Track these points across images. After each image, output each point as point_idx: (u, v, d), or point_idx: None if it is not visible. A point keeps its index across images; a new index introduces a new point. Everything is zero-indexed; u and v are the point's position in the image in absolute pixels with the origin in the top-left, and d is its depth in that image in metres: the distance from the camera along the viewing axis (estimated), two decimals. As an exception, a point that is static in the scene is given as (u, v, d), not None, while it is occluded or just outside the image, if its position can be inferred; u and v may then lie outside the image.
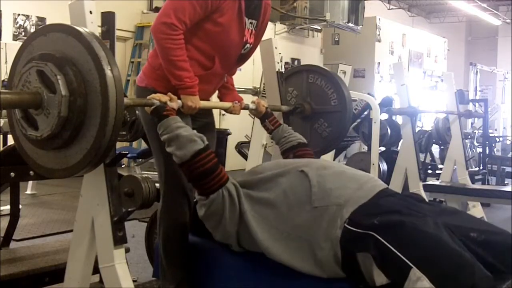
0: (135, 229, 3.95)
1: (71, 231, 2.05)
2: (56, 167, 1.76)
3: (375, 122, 4.79)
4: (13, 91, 1.71)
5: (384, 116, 5.18)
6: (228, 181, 1.92)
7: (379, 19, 11.06)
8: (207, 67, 2.23)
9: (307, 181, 1.88)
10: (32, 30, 7.33)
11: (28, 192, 5.92)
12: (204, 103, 2.24)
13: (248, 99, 2.75)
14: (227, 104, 2.41)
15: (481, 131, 7.84)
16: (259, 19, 2.34)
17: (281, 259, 1.82)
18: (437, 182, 4.94)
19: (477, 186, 5.62)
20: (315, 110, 2.88)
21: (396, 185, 4.08)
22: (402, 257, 1.59)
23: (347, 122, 2.88)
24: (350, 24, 9.63)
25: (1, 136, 5.09)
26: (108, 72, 1.61)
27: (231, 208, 1.90)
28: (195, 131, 1.98)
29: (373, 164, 5.00)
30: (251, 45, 2.36)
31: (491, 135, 8.34)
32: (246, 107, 2.46)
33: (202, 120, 2.35)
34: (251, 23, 2.30)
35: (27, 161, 1.86)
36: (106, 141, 1.64)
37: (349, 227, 1.73)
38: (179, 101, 2.10)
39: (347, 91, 2.89)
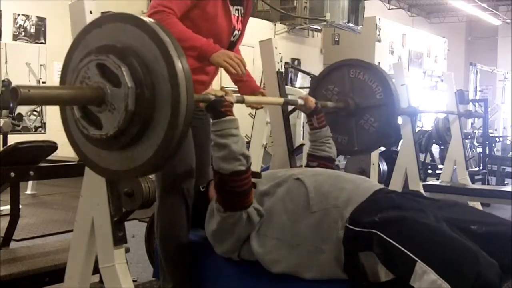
0: (135, 229, 3.95)
1: (71, 231, 2.05)
2: (123, 168, 1.59)
3: (375, 122, 4.78)
4: (74, 87, 1.56)
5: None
6: (250, 206, 1.88)
7: (379, 19, 11.05)
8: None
9: (304, 188, 1.88)
10: (32, 30, 7.34)
11: (28, 192, 5.92)
12: (265, 99, 2.20)
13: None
14: (279, 100, 2.33)
15: (481, 131, 7.84)
16: (243, 5, 2.36)
17: (282, 270, 1.83)
18: (437, 182, 4.95)
19: (477, 186, 5.62)
20: (359, 105, 2.75)
21: (396, 185, 4.07)
22: (406, 251, 1.59)
23: (395, 115, 2.76)
24: (350, 24, 9.63)
25: (1, 136, 5.10)
26: (176, 59, 1.47)
27: (244, 230, 1.89)
28: (244, 146, 1.88)
29: (373, 164, 5.01)
30: (240, 31, 2.38)
31: (491, 135, 8.35)
32: (294, 103, 2.39)
33: (200, 116, 2.35)
34: (236, 9, 2.33)
35: (88, 165, 1.71)
36: (178, 133, 1.48)
37: (350, 226, 1.73)
38: (235, 95, 1.99)
39: (393, 83, 2.77)
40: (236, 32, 2.35)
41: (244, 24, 2.40)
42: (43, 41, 7.47)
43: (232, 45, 2.36)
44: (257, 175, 1.93)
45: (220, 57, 2.09)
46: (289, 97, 2.48)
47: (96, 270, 2.00)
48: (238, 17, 2.35)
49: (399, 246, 1.61)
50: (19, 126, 7.35)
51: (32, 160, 2.59)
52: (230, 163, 1.82)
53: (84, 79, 1.53)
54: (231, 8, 2.27)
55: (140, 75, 1.48)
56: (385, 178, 5.62)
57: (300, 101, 2.41)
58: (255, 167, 3.87)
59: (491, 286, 1.50)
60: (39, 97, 1.41)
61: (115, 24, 1.56)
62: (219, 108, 1.85)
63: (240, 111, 2.44)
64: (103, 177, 1.78)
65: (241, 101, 2.07)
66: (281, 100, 2.31)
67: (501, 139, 9.51)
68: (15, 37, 7.15)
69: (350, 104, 2.74)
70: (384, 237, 1.64)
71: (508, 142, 9.39)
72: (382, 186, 1.97)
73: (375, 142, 2.85)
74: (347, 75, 2.79)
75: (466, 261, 1.53)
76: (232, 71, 2.11)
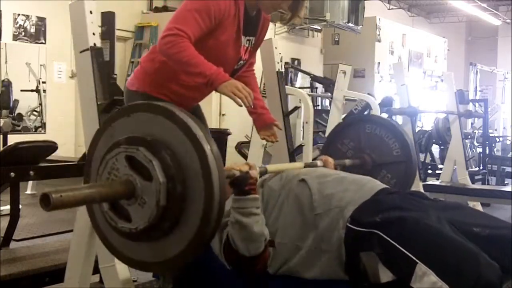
0: (135, 229, 3.94)
1: (71, 231, 2.05)
2: (152, 260, 1.54)
3: (375, 122, 4.78)
4: (102, 183, 1.51)
5: (384, 116, 5.19)
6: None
7: (379, 19, 11.05)
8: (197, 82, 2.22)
9: (308, 189, 1.87)
10: (32, 30, 7.34)
11: (28, 192, 5.92)
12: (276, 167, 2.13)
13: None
14: (299, 164, 2.29)
15: (481, 131, 7.85)
16: (256, 36, 2.35)
17: (283, 271, 1.83)
18: (437, 182, 4.95)
19: (477, 186, 5.62)
20: (376, 161, 2.68)
21: (396, 185, 4.07)
22: (407, 253, 1.59)
23: (413, 172, 2.70)
24: (350, 24, 9.63)
25: (1, 136, 5.10)
26: (209, 153, 1.42)
27: None
28: (264, 225, 1.82)
29: (373, 164, 5.00)
30: (245, 62, 2.37)
31: (491, 135, 8.35)
32: (313, 165, 2.31)
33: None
34: (248, 40, 2.31)
35: (116, 255, 1.66)
36: (210, 229, 1.43)
37: (351, 226, 1.73)
38: (258, 168, 1.90)
39: (410, 139, 2.72)
40: (241, 62, 2.33)
41: (251, 54, 2.38)
42: (43, 41, 7.46)
43: (235, 72, 2.34)
44: (271, 243, 1.87)
45: (227, 87, 2.05)
46: (309, 166, 2.35)
47: (96, 270, 2.00)
48: (247, 47, 2.33)
49: (400, 247, 1.60)
50: (19, 126, 7.35)
51: (32, 160, 2.59)
52: (249, 245, 1.78)
53: (112, 171, 1.49)
54: (243, 38, 2.25)
55: (172, 169, 1.43)
56: (385, 178, 5.61)
57: (320, 163, 2.34)
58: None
59: None
60: (72, 201, 1.37)
61: (146, 114, 1.51)
62: (243, 186, 1.78)
63: (240, 111, 2.44)
64: (136, 269, 1.72)
65: (264, 172, 1.99)
66: (302, 164, 2.26)
67: (501, 139, 9.51)
68: (15, 37, 7.15)
69: (366, 161, 2.68)
70: (385, 237, 1.64)
71: (508, 142, 9.39)
72: (385, 186, 1.96)
73: None
74: (363, 130, 2.74)
75: (467, 263, 1.53)
76: (239, 103, 2.07)
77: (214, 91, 2.16)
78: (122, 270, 1.87)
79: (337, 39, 10.88)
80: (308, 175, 1.96)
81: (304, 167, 2.22)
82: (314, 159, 2.65)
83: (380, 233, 1.65)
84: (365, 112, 5.54)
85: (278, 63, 2.87)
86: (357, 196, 1.82)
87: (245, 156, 4.67)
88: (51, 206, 1.30)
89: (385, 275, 1.65)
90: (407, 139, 2.68)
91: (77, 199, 1.38)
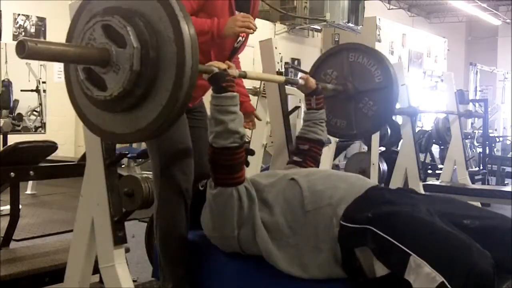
0: (135, 229, 3.95)
1: (71, 231, 2.05)
2: (127, 131, 1.59)
3: (375, 122, 4.78)
4: (80, 45, 1.56)
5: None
6: (241, 184, 1.88)
7: (379, 19, 11.05)
8: (202, 62, 2.24)
9: (298, 187, 1.89)
10: (32, 30, 7.34)
11: (28, 192, 5.92)
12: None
13: (248, 99, 2.76)
14: (281, 78, 2.39)
15: (481, 131, 7.85)
16: (249, 12, 2.36)
17: (282, 268, 1.83)
18: (437, 182, 4.96)
19: (477, 186, 5.63)
20: (358, 89, 2.72)
21: (396, 185, 4.08)
22: (400, 245, 1.60)
23: (394, 98, 2.74)
24: (350, 24, 9.64)
25: (1, 136, 5.10)
26: (182, 21, 1.46)
27: (236, 213, 1.88)
28: (241, 124, 1.88)
29: (373, 164, 5.01)
30: (243, 38, 2.38)
31: (491, 135, 8.35)
32: (294, 82, 2.39)
33: (197, 117, 2.35)
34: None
35: (92, 129, 1.69)
36: (183, 94, 1.48)
37: (344, 223, 1.74)
38: (237, 70, 1.96)
39: (392, 66, 2.76)
40: (240, 38, 2.34)
41: (247, 34, 2.40)
42: (43, 41, 7.47)
43: (235, 51, 2.36)
44: (251, 152, 1.95)
45: (231, 28, 2.12)
46: (290, 83, 2.48)
47: (96, 270, 2.00)
48: None
49: (393, 240, 1.61)
50: (19, 126, 7.36)
51: (32, 160, 2.60)
52: (224, 139, 1.83)
53: (89, 41, 1.55)
54: (237, 14, 2.27)
55: (146, 35, 1.48)
56: (385, 178, 5.62)
57: (301, 81, 2.39)
58: (255, 167, 3.88)
59: (485, 276, 1.50)
60: (46, 52, 1.40)
61: None
62: (221, 82, 1.83)
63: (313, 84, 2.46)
64: (108, 141, 1.76)
65: (244, 76, 2.06)
66: (282, 78, 2.33)
67: (501, 139, 9.52)
68: (15, 37, 7.15)
69: (349, 88, 2.72)
70: (378, 232, 1.65)
71: (508, 142, 9.39)
72: (375, 183, 1.98)
73: (374, 126, 2.84)
74: (346, 58, 2.77)
75: (459, 253, 1.54)
76: (251, 32, 2.15)
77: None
78: (122, 270, 1.87)
79: (337, 39, 10.88)
80: (297, 174, 1.97)
81: (285, 82, 2.27)
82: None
83: (373, 228, 1.66)
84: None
85: (278, 63, 2.87)
86: (348, 193, 1.83)
87: (245, 156, 4.67)
88: (25, 53, 1.33)
89: (380, 269, 1.66)
90: (389, 66, 2.72)
91: (52, 52, 1.42)
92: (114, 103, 1.54)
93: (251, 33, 2.21)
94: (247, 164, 1.94)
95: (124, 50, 1.49)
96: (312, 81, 2.41)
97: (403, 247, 1.59)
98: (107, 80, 1.52)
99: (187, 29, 1.47)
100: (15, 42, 1.36)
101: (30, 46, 1.32)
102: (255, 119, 2.75)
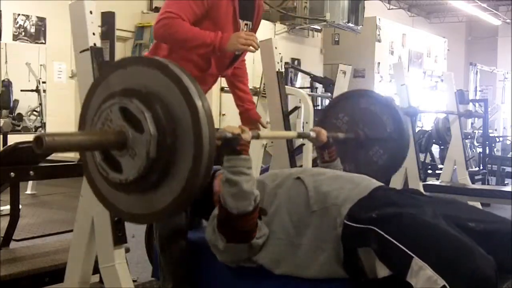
0: (135, 229, 3.94)
1: (71, 231, 2.05)
2: (141, 211, 1.58)
3: (375, 122, 4.78)
4: (95, 131, 1.55)
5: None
6: (254, 239, 1.85)
7: (379, 19, 11.04)
8: (203, 69, 2.25)
9: (304, 187, 1.89)
10: (32, 30, 7.34)
11: (28, 192, 5.92)
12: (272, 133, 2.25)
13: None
14: (292, 133, 2.39)
15: (481, 131, 7.84)
16: (253, 20, 2.36)
17: (283, 271, 1.83)
18: (437, 182, 4.95)
19: (477, 186, 5.62)
20: (369, 137, 2.71)
21: (396, 185, 4.07)
22: (403, 247, 1.60)
23: (404, 150, 2.73)
24: (350, 24, 9.62)
25: (1, 136, 5.10)
26: (200, 107, 1.43)
27: (248, 255, 1.89)
28: (255, 186, 1.85)
29: (373, 164, 5.00)
30: None
31: (491, 135, 8.34)
32: (305, 136, 2.38)
33: None
34: (246, 24, 2.33)
35: (107, 207, 1.70)
36: (199, 182, 1.45)
37: (348, 223, 1.74)
38: (251, 132, 1.92)
39: (404, 117, 2.74)
40: None
41: None
42: (43, 41, 7.46)
43: (236, 58, 2.37)
44: (263, 212, 1.90)
45: (234, 44, 2.14)
46: (302, 137, 2.50)
47: (96, 270, 2.00)
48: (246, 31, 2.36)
49: (396, 242, 1.61)
50: (19, 126, 7.35)
51: (32, 160, 2.59)
52: (238, 202, 1.79)
53: (106, 121, 1.52)
54: (240, 22, 2.28)
55: (163, 122, 1.45)
56: (385, 178, 5.61)
57: (313, 134, 2.39)
58: (255, 167, 3.88)
59: (487, 281, 1.50)
60: (64, 144, 1.38)
61: (141, 67, 1.54)
62: (235, 146, 1.81)
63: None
64: (124, 220, 1.77)
65: (257, 137, 2.02)
66: (295, 134, 2.33)
67: (501, 139, 9.51)
68: (15, 37, 7.15)
69: (360, 135, 2.70)
70: (381, 233, 1.65)
71: (508, 142, 9.39)
72: (381, 184, 1.97)
73: (382, 175, 2.76)
74: (357, 105, 2.76)
75: (462, 257, 1.54)
76: (252, 51, 2.16)
77: (213, 91, 2.20)
78: (122, 270, 1.87)
79: (337, 39, 10.88)
80: (303, 173, 1.97)
81: (297, 136, 2.26)
82: (314, 159, 2.67)
83: (377, 229, 1.66)
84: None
85: (278, 63, 2.87)
86: (353, 194, 1.83)
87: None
88: (43, 148, 1.31)
89: (382, 270, 1.66)
90: (401, 117, 2.70)
91: (70, 144, 1.41)
92: (129, 186, 1.53)
93: (253, 52, 2.19)
94: (260, 217, 1.90)
95: (141, 135, 1.46)
96: (324, 134, 2.39)
97: (405, 249, 1.59)
98: (123, 163, 1.50)
99: (205, 117, 1.44)
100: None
101: (47, 141, 1.30)
102: (260, 126, 2.74)
